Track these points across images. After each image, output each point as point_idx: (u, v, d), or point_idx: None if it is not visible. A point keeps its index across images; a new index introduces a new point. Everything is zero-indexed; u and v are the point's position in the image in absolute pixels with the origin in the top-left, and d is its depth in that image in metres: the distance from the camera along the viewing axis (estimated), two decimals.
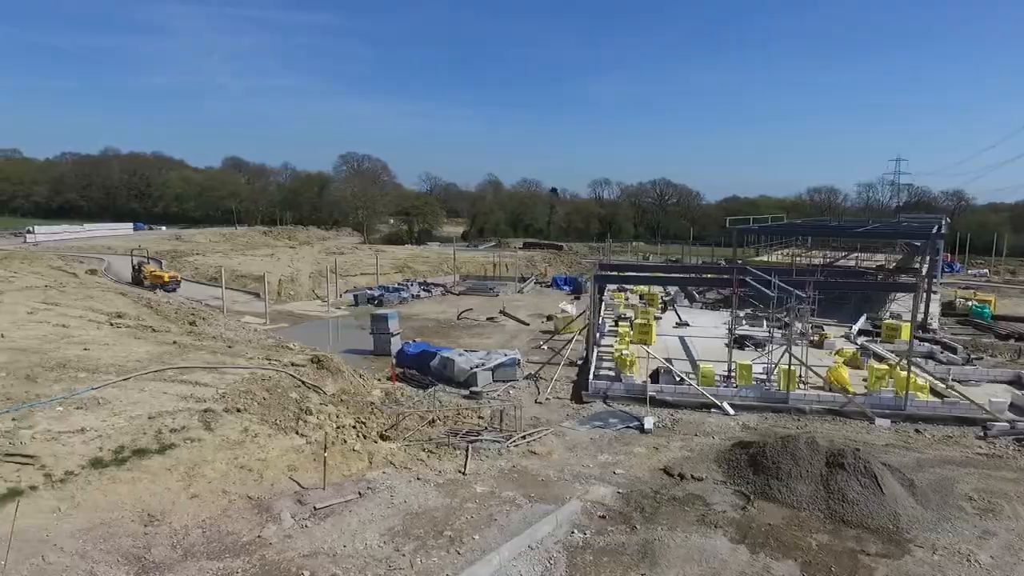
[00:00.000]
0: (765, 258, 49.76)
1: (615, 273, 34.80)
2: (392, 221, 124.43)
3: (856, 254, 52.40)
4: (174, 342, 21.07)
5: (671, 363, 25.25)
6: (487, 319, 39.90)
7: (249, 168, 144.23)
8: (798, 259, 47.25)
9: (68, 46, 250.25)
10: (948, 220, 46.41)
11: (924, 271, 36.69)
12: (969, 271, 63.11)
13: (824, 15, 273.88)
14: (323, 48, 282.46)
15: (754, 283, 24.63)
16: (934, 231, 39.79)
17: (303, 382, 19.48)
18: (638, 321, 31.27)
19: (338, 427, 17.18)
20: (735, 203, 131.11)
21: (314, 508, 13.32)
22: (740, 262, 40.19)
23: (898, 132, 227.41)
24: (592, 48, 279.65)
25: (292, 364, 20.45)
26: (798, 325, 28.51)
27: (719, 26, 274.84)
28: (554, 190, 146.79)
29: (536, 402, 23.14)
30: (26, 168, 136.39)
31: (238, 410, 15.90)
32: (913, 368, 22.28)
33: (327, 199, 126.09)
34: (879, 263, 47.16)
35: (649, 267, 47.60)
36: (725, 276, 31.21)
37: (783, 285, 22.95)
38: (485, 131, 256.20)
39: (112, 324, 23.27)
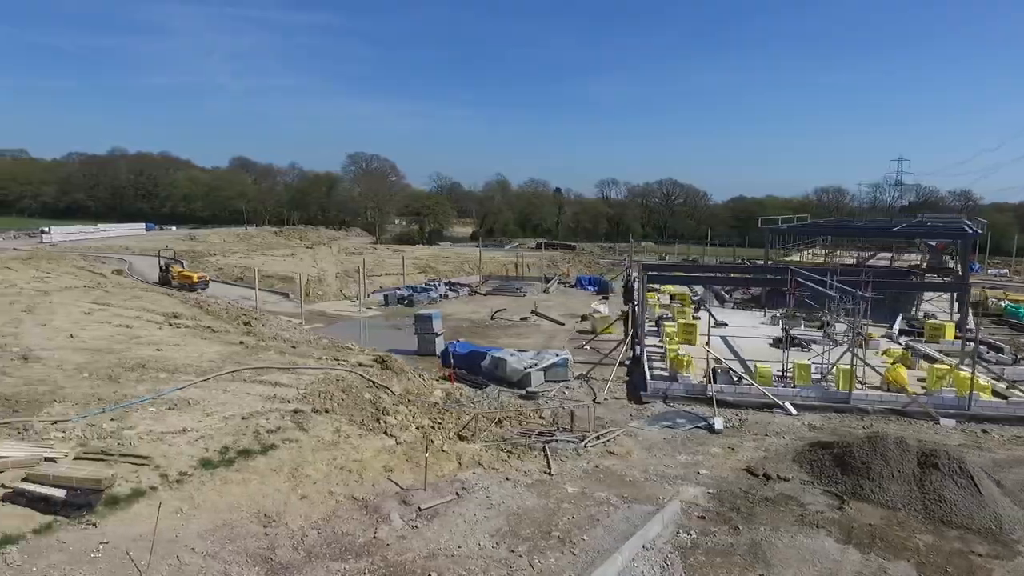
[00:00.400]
0: (797, 258, 49.84)
1: (665, 273, 34.67)
2: (397, 221, 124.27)
3: (884, 253, 52.45)
4: (241, 342, 21.04)
5: (720, 363, 25.26)
6: (520, 319, 39.89)
7: (256, 168, 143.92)
8: (829, 259, 47.32)
9: (68, 46, 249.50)
10: (986, 221, 46.46)
11: (960, 271, 36.74)
12: (989, 271, 63.26)
13: (824, 15, 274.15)
14: (323, 48, 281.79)
15: (809, 283, 24.65)
16: (970, 231, 39.84)
17: (373, 382, 19.46)
18: (682, 321, 31.27)
19: (418, 427, 17.17)
20: (742, 203, 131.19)
21: (419, 509, 13.32)
22: (772, 262, 40.25)
23: (898, 132, 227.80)
24: (592, 48, 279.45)
25: (360, 364, 20.43)
26: (845, 325, 28.57)
27: (719, 26, 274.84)
28: (558, 190, 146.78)
29: (595, 402, 23.10)
30: (33, 168, 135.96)
31: (326, 411, 15.89)
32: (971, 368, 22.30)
33: (335, 199, 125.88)
34: (911, 263, 47.25)
35: (689, 267, 47.65)
36: (770, 276, 31.19)
37: (842, 286, 22.95)
38: (485, 131, 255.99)
39: (171, 324, 23.22)
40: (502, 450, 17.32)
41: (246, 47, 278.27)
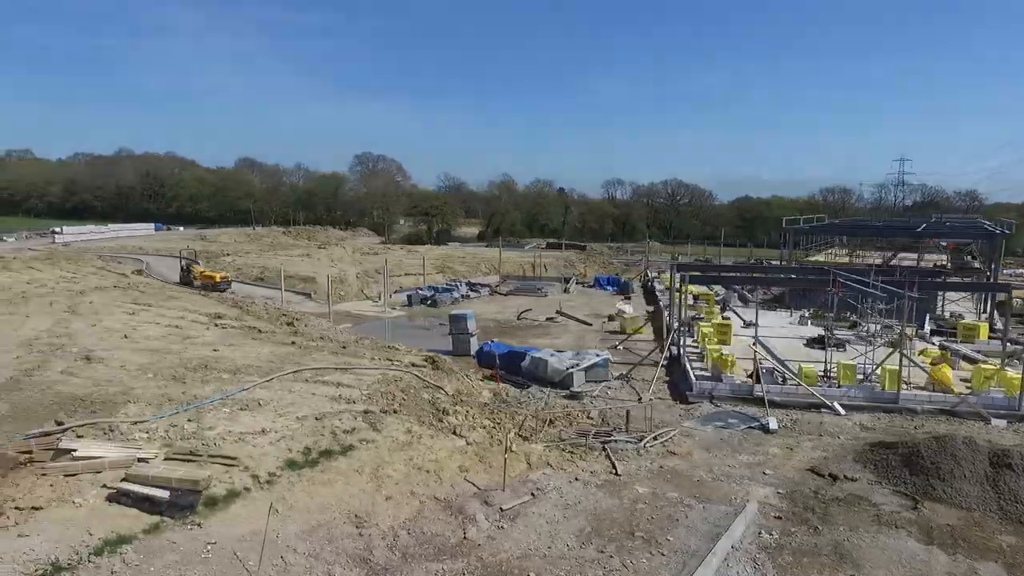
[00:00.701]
0: (820, 258, 49.89)
1: (701, 273, 34.68)
2: (402, 221, 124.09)
3: (903, 253, 52.50)
4: (292, 343, 21.01)
5: (762, 362, 25.23)
6: (546, 319, 39.86)
7: (263, 168, 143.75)
8: (853, 259, 47.39)
9: (68, 46, 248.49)
10: (1014, 221, 46.56)
11: (988, 271, 36.80)
12: (1005, 271, 63.22)
13: (824, 15, 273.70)
14: (323, 48, 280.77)
15: (851, 284, 24.68)
16: (997, 230, 39.87)
17: (428, 383, 19.44)
18: (716, 322, 31.28)
19: (482, 427, 17.16)
20: (747, 203, 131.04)
21: (501, 509, 13.31)
22: (798, 263, 40.27)
23: (898, 132, 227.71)
24: (592, 48, 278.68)
25: (413, 365, 20.41)
26: (879, 326, 28.65)
27: (719, 26, 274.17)
28: (561, 190, 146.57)
29: (640, 402, 23.10)
30: (39, 168, 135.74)
31: (394, 411, 15.88)
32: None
33: (341, 199, 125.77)
34: (936, 263, 47.30)
35: (724, 267, 47.71)
36: (811, 277, 31.21)
37: (887, 286, 22.97)
38: (486, 131, 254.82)
39: (216, 325, 23.19)
40: (563, 450, 17.32)
41: (246, 47, 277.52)
